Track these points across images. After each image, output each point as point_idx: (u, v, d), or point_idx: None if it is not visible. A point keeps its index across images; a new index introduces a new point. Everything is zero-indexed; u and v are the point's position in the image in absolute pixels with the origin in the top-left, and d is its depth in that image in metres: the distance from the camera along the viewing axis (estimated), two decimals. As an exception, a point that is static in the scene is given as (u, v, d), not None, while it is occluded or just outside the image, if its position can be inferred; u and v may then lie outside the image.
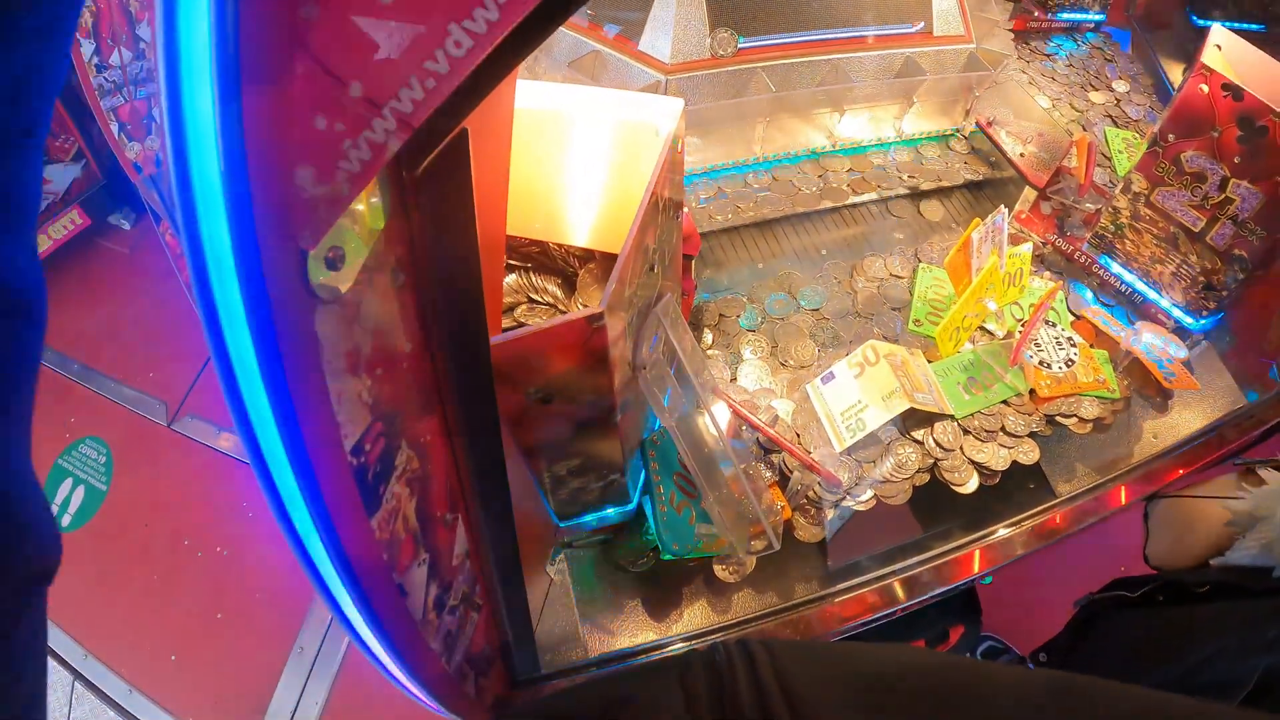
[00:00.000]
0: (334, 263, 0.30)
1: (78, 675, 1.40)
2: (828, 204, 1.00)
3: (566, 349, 0.43)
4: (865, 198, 1.01)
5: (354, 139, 0.27)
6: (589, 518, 0.68)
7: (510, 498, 0.46)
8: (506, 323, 0.63)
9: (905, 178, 1.03)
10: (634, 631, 0.71)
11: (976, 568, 0.77)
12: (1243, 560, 0.72)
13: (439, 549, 0.44)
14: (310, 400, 0.30)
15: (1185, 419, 0.90)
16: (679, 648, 0.70)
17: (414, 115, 0.27)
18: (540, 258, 0.60)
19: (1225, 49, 0.79)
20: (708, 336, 0.86)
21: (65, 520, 1.57)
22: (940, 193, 1.06)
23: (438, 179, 0.33)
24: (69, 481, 1.61)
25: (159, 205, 1.10)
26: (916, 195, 1.05)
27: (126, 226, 1.93)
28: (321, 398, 0.31)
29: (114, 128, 1.18)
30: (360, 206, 0.32)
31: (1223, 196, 0.81)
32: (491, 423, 0.42)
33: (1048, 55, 1.31)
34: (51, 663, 1.41)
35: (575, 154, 0.56)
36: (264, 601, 1.44)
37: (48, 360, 1.75)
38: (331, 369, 0.31)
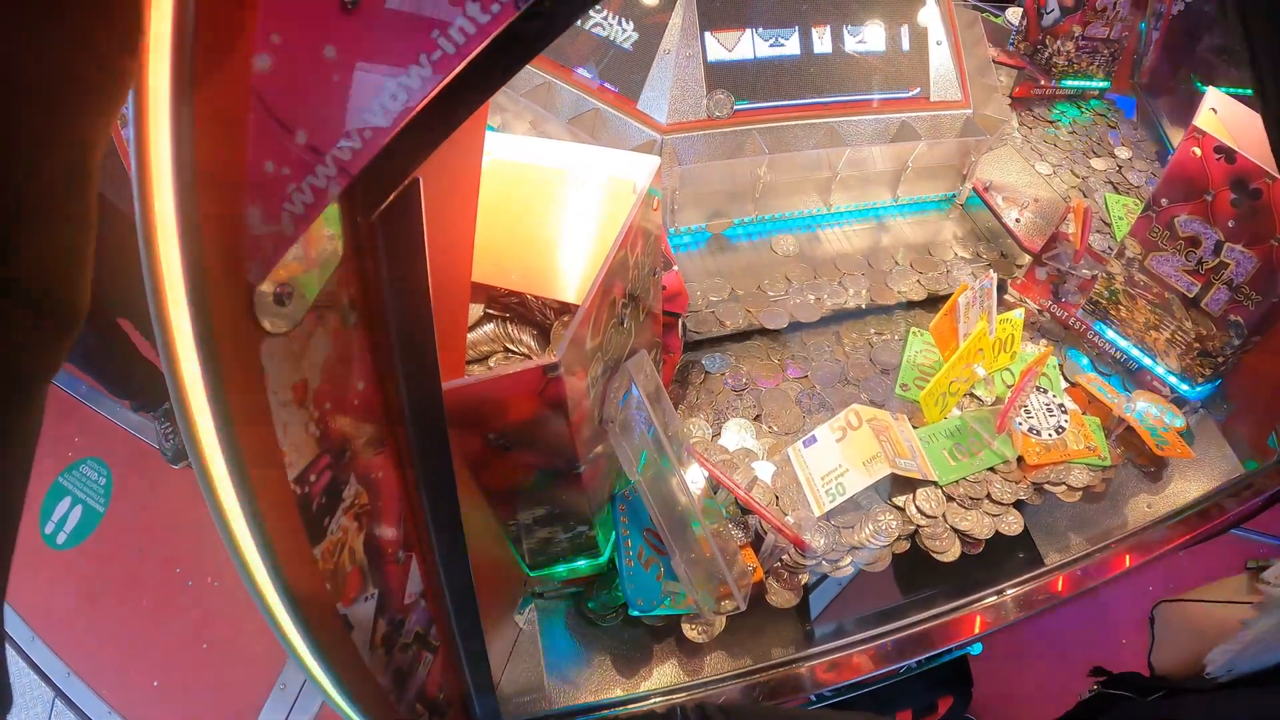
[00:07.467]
0: (283, 299, 0.31)
1: (59, 692, 1.40)
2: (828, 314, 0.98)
3: (522, 397, 0.44)
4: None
5: (298, 183, 0.29)
6: (559, 568, 0.68)
7: (464, 540, 0.46)
8: (481, 371, 0.63)
9: (913, 279, 1.01)
10: (600, 687, 0.69)
11: (956, 638, 0.75)
12: (1250, 667, 0.65)
13: (389, 585, 0.44)
14: (253, 425, 0.30)
15: (1181, 488, 0.88)
16: (645, 706, 0.68)
17: (353, 163, 0.28)
18: (519, 308, 0.61)
19: (1221, 112, 0.78)
20: (693, 395, 0.86)
21: (60, 539, 1.58)
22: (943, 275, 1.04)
23: (391, 225, 0.35)
24: (67, 500, 1.63)
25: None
26: (919, 304, 1.02)
27: (143, 256, 1.99)
28: (265, 424, 0.31)
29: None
30: (316, 248, 0.33)
31: (1217, 261, 0.79)
32: (444, 465, 0.42)
33: (1050, 122, 1.33)
34: (33, 677, 1.41)
35: (554, 208, 0.57)
36: (251, 635, 1.43)
37: (56, 379, 1.79)
38: (277, 399, 0.32)
